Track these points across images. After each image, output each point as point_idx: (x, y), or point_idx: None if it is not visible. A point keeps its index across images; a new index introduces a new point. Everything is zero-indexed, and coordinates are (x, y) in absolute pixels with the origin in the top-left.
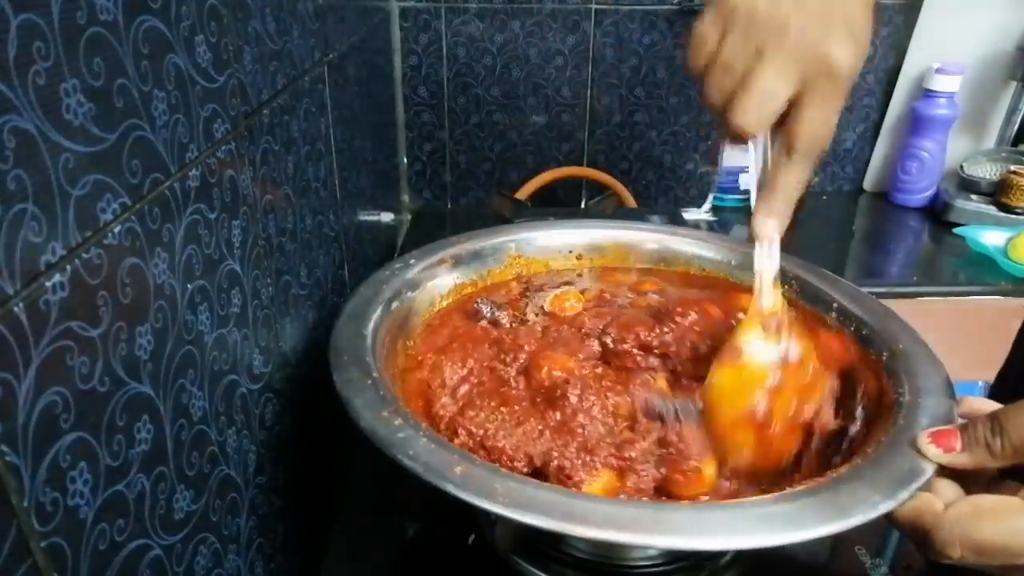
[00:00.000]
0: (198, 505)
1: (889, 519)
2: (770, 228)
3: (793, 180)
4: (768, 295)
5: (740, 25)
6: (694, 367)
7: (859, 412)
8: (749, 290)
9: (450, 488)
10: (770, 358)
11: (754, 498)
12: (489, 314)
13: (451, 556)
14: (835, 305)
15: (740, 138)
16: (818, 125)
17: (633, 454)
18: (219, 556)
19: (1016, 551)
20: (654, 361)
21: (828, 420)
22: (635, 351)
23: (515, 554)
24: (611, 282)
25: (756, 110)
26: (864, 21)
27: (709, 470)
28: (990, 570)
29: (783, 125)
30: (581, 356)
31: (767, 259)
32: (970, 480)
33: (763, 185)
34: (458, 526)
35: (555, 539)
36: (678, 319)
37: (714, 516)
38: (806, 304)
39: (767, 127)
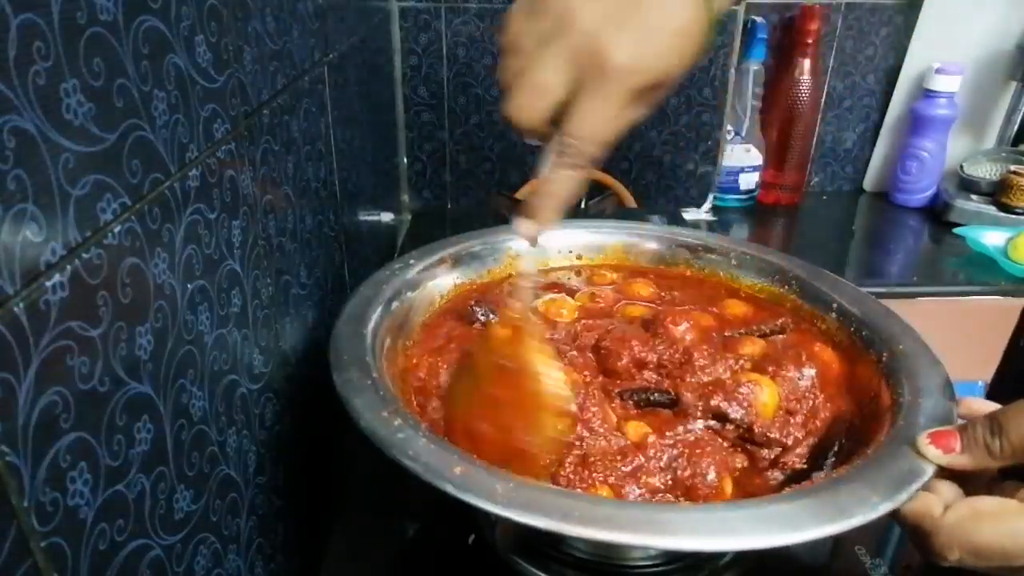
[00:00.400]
0: (198, 505)
1: (893, 517)
2: (527, 230)
3: (559, 183)
4: (520, 296)
5: (538, 8)
6: (689, 379)
7: (828, 463)
8: (743, 296)
9: (450, 489)
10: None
11: (753, 499)
12: (483, 317)
13: (451, 556)
14: (835, 305)
15: (521, 133)
16: (588, 125)
17: (638, 493)
18: (219, 556)
19: (1014, 553)
20: (650, 375)
21: (795, 461)
22: (632, 368)
23: (515, 554)
24: (602, 283)
25: (526, 99)
26: (665, 37)
27: (728, 487)
28: (989, 572)
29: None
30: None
31: (526, 260)
32: (970, 481)
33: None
34: (458, 526)
35: (555, 539)
36: (670, 328)
37: (714, 517)
38: (806, 304)
39: (539, 120)
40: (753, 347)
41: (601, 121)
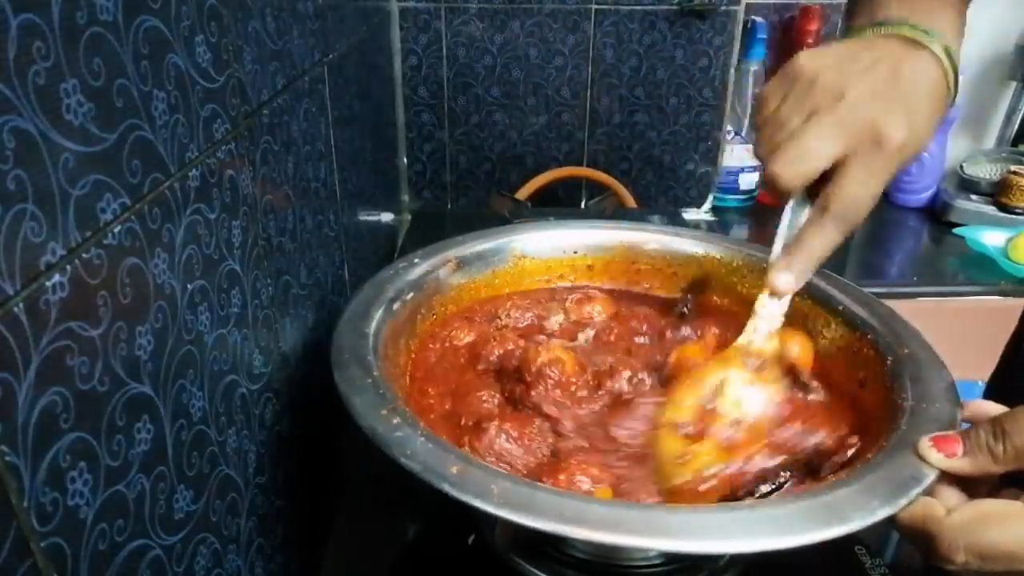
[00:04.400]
0: (198, 505)
1: (893, 524)
2: (785, 282)
3: (820, 241)
4: (762, 339)
5: (802, 87)
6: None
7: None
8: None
9: (446, 487)
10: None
11: (753, 501)
12: (686, 310)
13: (451, 556)
14: (841, 308)
15: (777, 191)
16: (855, 191)
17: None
18: (219, 556)
19: (1021, 556)
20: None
21: (762, 475)
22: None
23: (515, 554)
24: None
25: (792, 163)
26: (926, 110)
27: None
28: (992, 575)
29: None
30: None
31: (774, 310)
32: (971, 487)
33: (789, 242)
34: (458, 526)
35: (555, 540)
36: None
37: (712, 519)
38: (812, 304)
39: (801, 183)
40: None
41: (869, 188)
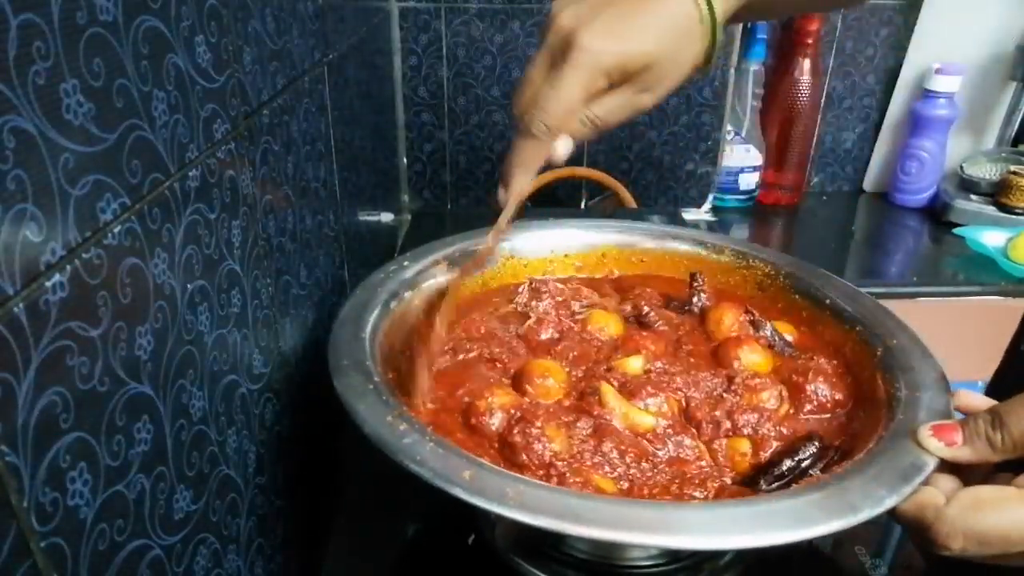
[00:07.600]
0: (198, 505)
1: (891, 513)
2: (500, 195)
3: (520, 150)
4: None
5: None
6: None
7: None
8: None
9: (460, 493)
10: None
11: (758, 496)
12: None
13: (451, 556)
14: (828, 302)
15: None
16: (547, 97)
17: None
18: (219, 556)
19: (1016, 540)
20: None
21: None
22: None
23: (515, 554)
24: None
25: (519, 92)
26: (657, 35)
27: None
28: (988, 560)
29: None
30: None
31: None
32: (967, 473)
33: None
34: (458, 526)
35: (555, 539)
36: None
37: (723, 515)
38: (800, 300)
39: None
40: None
41: (564, 95)
